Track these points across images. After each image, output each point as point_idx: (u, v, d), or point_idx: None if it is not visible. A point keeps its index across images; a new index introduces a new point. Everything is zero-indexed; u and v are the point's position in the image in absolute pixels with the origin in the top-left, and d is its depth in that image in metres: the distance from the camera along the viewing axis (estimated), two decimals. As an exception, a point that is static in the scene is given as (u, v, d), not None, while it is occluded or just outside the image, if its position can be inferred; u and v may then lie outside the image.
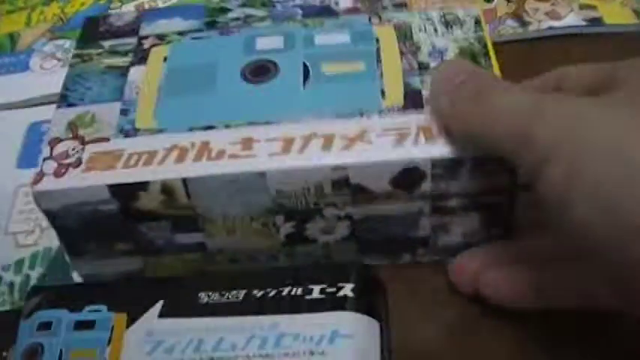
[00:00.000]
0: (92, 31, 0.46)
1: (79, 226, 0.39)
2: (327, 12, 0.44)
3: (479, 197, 0.37)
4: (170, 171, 0.37)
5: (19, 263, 0.45)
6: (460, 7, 0.44)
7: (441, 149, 0.36)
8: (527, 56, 0.55)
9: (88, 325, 0.36)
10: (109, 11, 0.58)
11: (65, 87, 0.42)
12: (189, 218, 0.39)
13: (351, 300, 0.34)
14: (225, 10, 0.45)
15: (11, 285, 0.44)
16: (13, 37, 0.58)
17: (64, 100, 0.41)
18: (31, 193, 0.49)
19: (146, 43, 0.44)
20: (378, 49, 0.41)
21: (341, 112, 0.38)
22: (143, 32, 0.45)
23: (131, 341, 0.35)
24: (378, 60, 0.41)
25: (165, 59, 0.42)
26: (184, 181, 0.37)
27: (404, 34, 0.42)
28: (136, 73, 0.42)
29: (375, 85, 0.39)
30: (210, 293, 0.36)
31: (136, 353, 0.34)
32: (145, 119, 0.39)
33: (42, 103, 0.54)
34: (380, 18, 0.43)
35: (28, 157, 0.52)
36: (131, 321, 0.36)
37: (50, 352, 0.35)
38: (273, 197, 0.37)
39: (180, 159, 0.37)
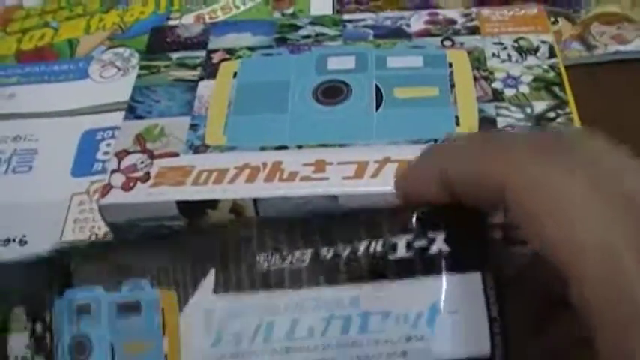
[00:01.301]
0: (159, 41, 0.45)
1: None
2: (398, 34, 0.44)
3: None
4: (241, 190, 0.36)
5: (73, 272, 0.45)
6: (533, 34, 0.43)
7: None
8: (593, 80, 0.54)
9: (132, 307, 0.30)
10: (169, 22, 0.58)
11: (132, 98, 0.42)
12: (255, 238, 0.38)
13: (448, 256, 0.26)
14: (295, 27, 0.45)
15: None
16: (72, 44, 0.58)
17: (131, 111, 0.41)
18: (87, 202, 0.50)
19: (215, 57, 0.43)
20: (451, 74, 0.41)
21: (415, 138, 0.37)
22: (212, 46, 0.44)
23: (189, 331, 0.29)
24: (452, 85, 0.40)
25: (235, 75, 0.42)
26: (255, 201, 0.36)
27: (477, 60, 0.42)
28: (205, 87, 0.42)
29: (449, 112, 0.39)
30: (270, 255, 0.29)
31: (198, 348, 0.29)
32: (215, 136, 0.39)
33: (102, 111, 0.54)
34: (452, 42, 0.43)
35: (82, 166, 0.52)
36: (183, 300, 0.29)
37: (100, 347, 0.30)
38: (343, 221, 0.37)
39: (252, 179, 0.37)
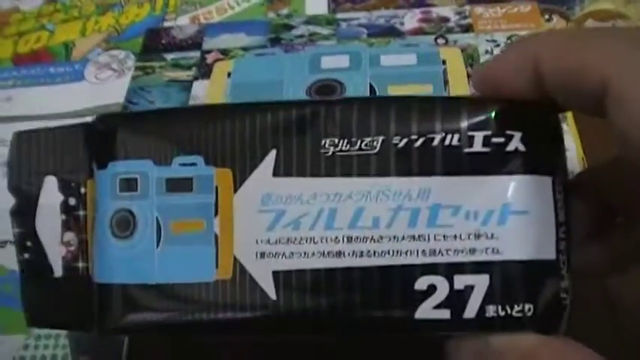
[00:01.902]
0: (154, 43, 0.46)
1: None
2: (392, 32, 0.44)
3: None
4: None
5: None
6: (527, 30, 0.43)
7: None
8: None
9: (183, 184, 0.28)
10: (164, 23, 0.58)
11: (128, 100, 0.42)
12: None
13: (524, 156, 0.25)
14: (289, 27, 0.45)
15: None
16: (67, 47, 0.58)
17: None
18: None
19: (209, 58, 0.43)
20: (444, 71, 0.41)
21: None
22: (206, 46, 0.44)
23: (244, 212, 0.27)
24: (445, 82, 0.40)
25: (229, 75, 0.42)
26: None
27: (470, 57, 0.42)
28: (199, 87, 0.42)
29: (443, 109, 0.39)
30: (337, 140, 0.27)
31: (253, 228, 0.27)
32: (211, 135, 0.39)
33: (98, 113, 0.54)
34: (446, 40, 0.43)
35: None
36: (239, 180, 0.27)
37: (145, 223, 0.28)
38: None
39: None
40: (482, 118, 0.25)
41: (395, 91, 0.40)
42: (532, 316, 0.25)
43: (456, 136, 0.26)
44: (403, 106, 0.26)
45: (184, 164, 0.28)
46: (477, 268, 0.25)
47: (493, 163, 0.25)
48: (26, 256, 0.31)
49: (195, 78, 0.42)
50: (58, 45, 0.59)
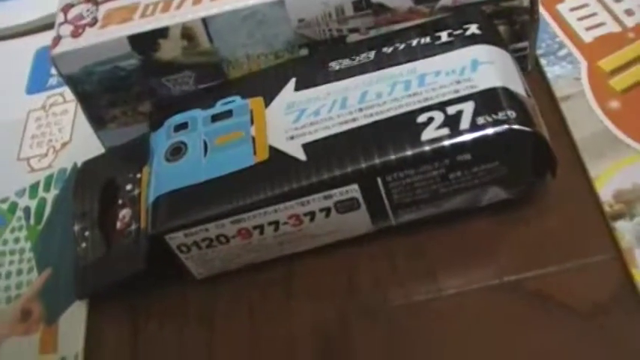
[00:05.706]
0: None
1: (100, 89, 0.38)
2: None
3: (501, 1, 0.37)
4: (189, 13, 0.37)
5: (34, 187, 0.45)
6: None
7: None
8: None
9: (225, 115, 0.36)
10: None
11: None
12: (212, 65, 0.38)
13: (481, 36, 0.35)
14: None
15: (27, 210, 0.43)
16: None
17: (70, -26, 0.41)
18: (44, 117, 0.49)
19: None
20: None
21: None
22: None
23: (274, 117, 0.35)
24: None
25: None
26: (204, 21, 0.36)
27: None
28: None
29: None
30: (341, 60, 0.36)
31: (282, 124, 0.34)
32: (154, -25, 0.39)
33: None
34: None
35: (36, 83, 0.52)
36: (268, 101, 0.36)
37: (194, 146, 0.35)
38: (295, 28, 0.37)
39: (198, 1, 0.37)
40: (437, 25, 0.36)
41: None
42: (516, 117, 0.31)
43: (428, 37, 0.35)
44: (386, 34, 0.37)
45: (225, 103, 0.36)
46: (462, 99, 0.32)
47: (459, 43, 0.35)
48: (84, 245, 0.38)
49: None
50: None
